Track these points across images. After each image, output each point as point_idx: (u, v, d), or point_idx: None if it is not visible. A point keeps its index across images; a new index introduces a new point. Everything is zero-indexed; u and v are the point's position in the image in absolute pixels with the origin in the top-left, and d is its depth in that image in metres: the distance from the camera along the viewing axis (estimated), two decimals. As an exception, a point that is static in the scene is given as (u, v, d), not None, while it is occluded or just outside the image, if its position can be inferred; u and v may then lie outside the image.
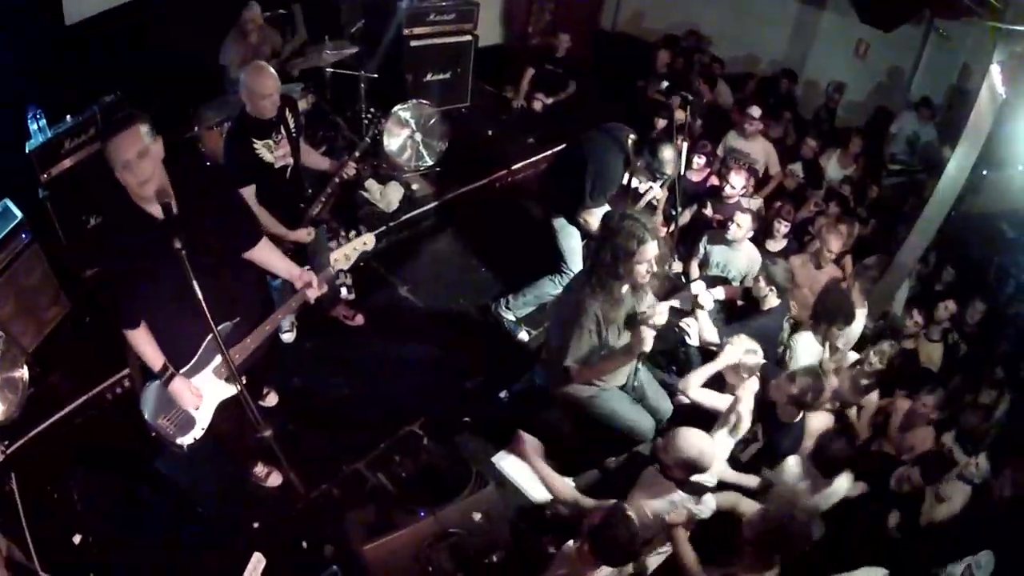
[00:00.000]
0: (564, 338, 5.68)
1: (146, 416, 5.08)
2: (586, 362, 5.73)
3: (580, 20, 14.00)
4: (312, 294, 5.19)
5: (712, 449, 5.37)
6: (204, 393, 5.08)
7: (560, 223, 7.59)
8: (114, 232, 4.68)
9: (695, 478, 5.40)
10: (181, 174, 4.59)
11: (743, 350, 6.41)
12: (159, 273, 4.45)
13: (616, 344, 5.80)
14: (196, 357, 5.02)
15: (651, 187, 7.79)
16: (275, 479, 6.34)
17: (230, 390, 5.11)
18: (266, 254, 5.24)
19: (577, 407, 6.10)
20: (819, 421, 6.50)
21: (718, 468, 5.83)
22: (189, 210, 4.49)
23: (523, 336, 8.21)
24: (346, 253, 5.30)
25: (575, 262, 7.61)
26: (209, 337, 4.81)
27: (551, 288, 7.82)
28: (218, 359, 5.00)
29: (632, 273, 5.49)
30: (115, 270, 4.64)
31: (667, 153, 7.23)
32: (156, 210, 4.35)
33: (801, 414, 6.28)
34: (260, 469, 6.37)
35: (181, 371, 4.94)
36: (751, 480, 6.07)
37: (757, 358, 6.43)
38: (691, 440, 5.26)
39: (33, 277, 6.88)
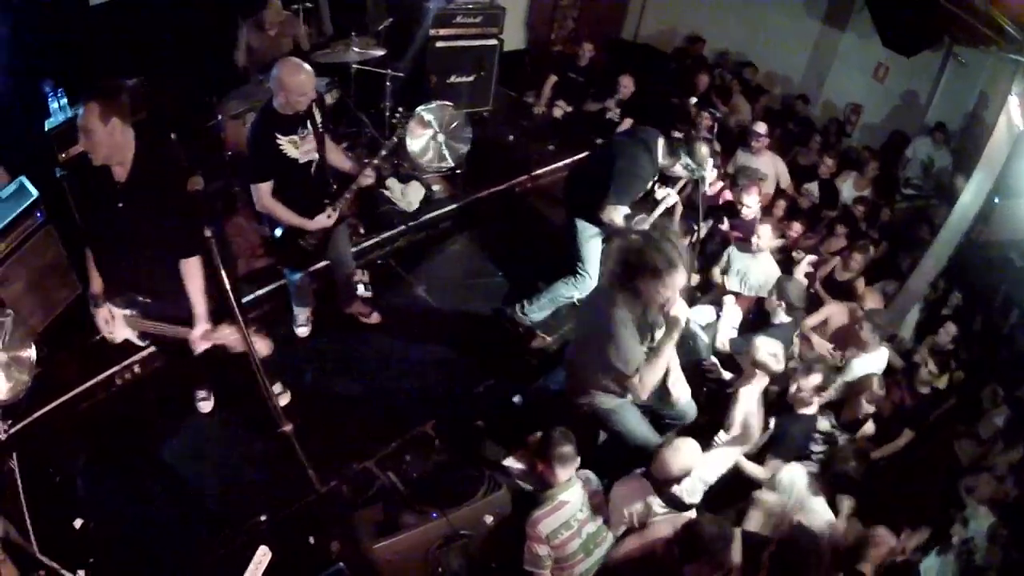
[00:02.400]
0: (608, 351, 5.42)
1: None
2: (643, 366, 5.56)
3: (601, 29, 14.07)
4: (195, 345, 5.41)
5: (693, 464, 5.55)
6: (117, 326, 5.56)
7: (582, 225, 7.58)
8: (84, 172, 5.18)
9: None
10: (148, 164, 5.16)
11: (769, 352, 6.58)
12: (107, 221, 5.23)
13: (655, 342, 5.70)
14: (121, 297, 5.53)
15: (668, 193, 7.84)
16: (284, 399, 6.76)
17: (135, 339, 5.74)
18: (189, 276, 5.33)
19: (596, 418, 6.06)
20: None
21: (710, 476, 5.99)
22: (138, 193, 5.12)
23: (537, 342, 8.22)
24: (236, 336, 5.38)
25: (592, 265, 7.64)
26: (133, 298, 5.54)
27: (566, 290, 7.85)
28: (128, 311, 5.54)
29: (651, 293, 5.26)
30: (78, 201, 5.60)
31: (703, 150, 7.29)
32: (117, 173, 5.10)
33: (815, 406, 6.52)
34: (276, 387, 6.52)
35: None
36: (760, 471, 6.25)
37: (778, 365, 6.59)
38: (678, 459, 5.45)
39: (45, 257, 6.95)
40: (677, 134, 7.57)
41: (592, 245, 7.61)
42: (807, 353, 7.76)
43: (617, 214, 7.27)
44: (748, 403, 6.54)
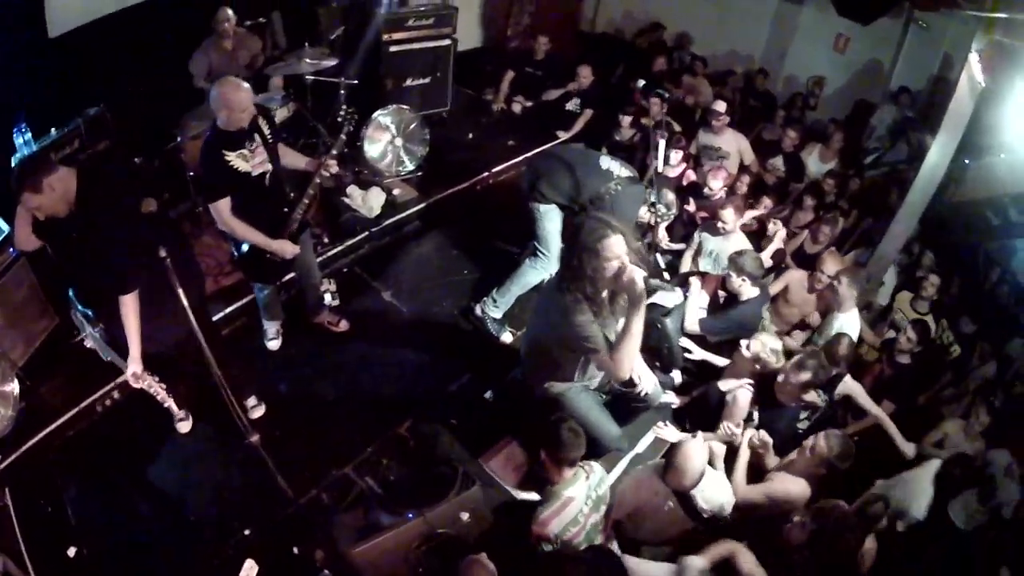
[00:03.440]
0: (566, 334, 5.45)
1: (81, 328, 6.15)
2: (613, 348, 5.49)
3: (559, 22, 14.01)
4: (131, 379, 5.67)
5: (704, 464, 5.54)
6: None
7: (545, 208, 7.57)
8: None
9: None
10: (88, 205, 5.19)
11: (769, 348, 6.65)
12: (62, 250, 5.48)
13: (618, 328, 5.59)
14: None
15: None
16: (259, 411, 6.82)
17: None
18: (124, 314, 5.41)
19: (551, 404, 6.00)
20: None
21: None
22: (83, 225, 5.18)
23: (507, 337, 8.21)
24: (152, 386, 5.80)
25: (552, 246, 7.66)
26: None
27: (532, 275, 7.85)
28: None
29: (602, 271, 5.21)
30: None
31: (669, 196, 7.54)
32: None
33: (799, 398, 6.51)
34: (251, 400, 6.74)
35: None
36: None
37: (778, 360, 6.66)
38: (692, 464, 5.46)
39: (21, 291, 6.83)
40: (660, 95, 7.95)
41: (551, 227, 7.61)
42: (779, 325, 7.79)
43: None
44: (744, 404, 6.57)
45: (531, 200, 7.57)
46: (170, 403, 5.12)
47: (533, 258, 7.80)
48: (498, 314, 8.12)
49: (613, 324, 5.54)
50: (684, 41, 13.85)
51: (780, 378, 6.52)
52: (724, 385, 6.81)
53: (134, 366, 5.50)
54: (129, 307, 5.35)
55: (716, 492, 5.76)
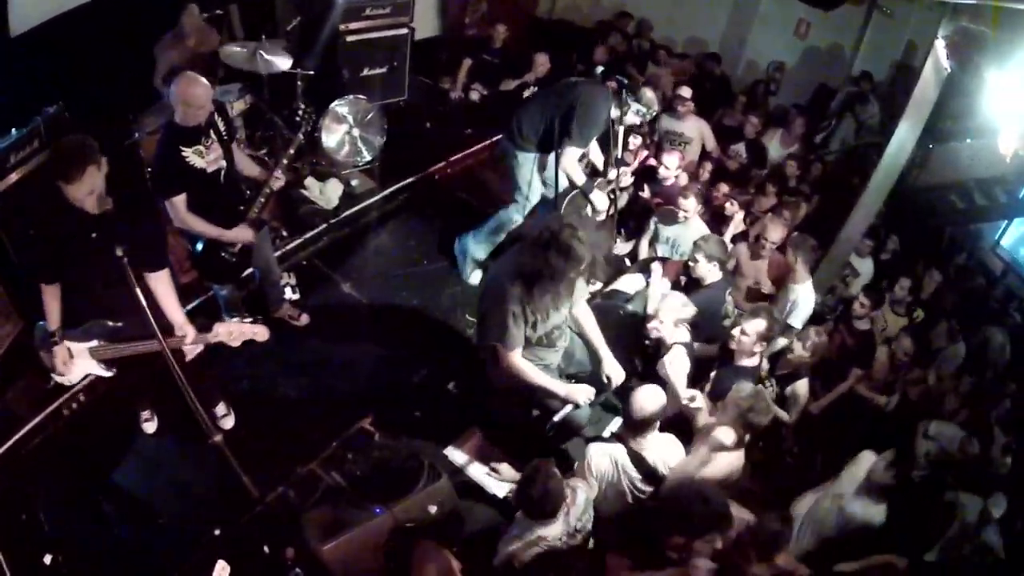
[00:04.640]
0: (493, 324, 5.58)
1: (35, 342, 5.70)
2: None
3: (516, 9, 13.93)
4: (185, 350, 5.64)
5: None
6: (75, 364, 5.58)
7: (523, 156, 7.89)
8: (50, 213, 5.14)
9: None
10: (118, 186, 5.16)
11: (680, 303, 6.72)
12: (76, 254, 5.12)
13: (547, 327, 5.75)
14: (80, 330, 5.54)
15: (622, 171, 8.00)
16: (229, 421, 6.82)
17: (100, 371, 5.71)
18: (160, 287, 5.50)
19: (512, 386, 5.98)
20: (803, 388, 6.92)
21: None
22: (113, 217, 5.11)
23: (474, 279, 8.61)
24: (231, 331, 5.70)
25: (530, 191, 8.04)
26: (97, 324, 5.57)
27: (506, 215, 8.22)
28: (94, 342, 5.53)
29: (563, 284, 5.32)
30: (45, 237, 5.22)
31: (648, 94, 7.57)
32: (87, 204, 4.98)
33: (758, 356, 6.58)
34: (220, 408, 6.80)
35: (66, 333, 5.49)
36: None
37: (690, 309, 6.74)
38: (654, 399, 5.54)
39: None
40: (619, 81, 7.75)
41: (526, 173, 7.96)
42: (736, 298, 7.81)
43: (568, 156, 7.65)
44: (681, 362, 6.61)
45: (512, 146, 7.93)
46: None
47: (512, 203, 8.20)
48: (481, 255, 8.56)
49: (541, 325, 5.66)
50: (644, 28, 13.73)
51: (735, 333, 6.50)
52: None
53: (187, 329, 5.57)
54: (166, 279, 5.53)
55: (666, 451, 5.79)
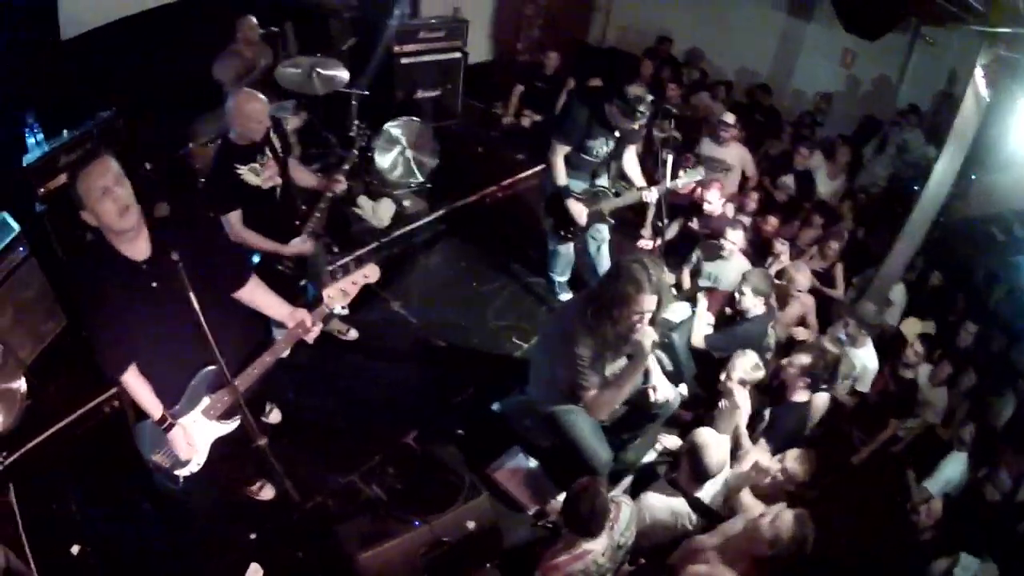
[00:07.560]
0: (563, 363, 5.68)
1: (142, 451, 4.97)
2: (601, 387, 5.74)
3: (568, 36, 14.06)
4: (308, 337, 5.02)
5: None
6: (196, 438, 4.90)
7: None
8: (90, 279, 4.40)
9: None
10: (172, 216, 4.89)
11: (752, 364, 6.63)
12: (139, 316, 4.40)
13: (615, 368, 5.87)
14: (184, 399, 4.87)
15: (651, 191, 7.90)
16: (268, 492, 6.29)
17: (222, 429, 5.03)
18: (256, 295, 5.06)
19: (552, 422, 6.12)
20: (821, 401, 6.82)
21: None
22: (168, 250, 4.29)
23: (564, 296, 8.79)
24: (343, 288, 4.94)
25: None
26: (195, 379, 4.85)
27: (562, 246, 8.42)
28: (206, 400, 4.91)
29: (625, 319, 5.43)
30: (95, 317, 4.45)
31: (634, 89, 7.36)
32: (132, 251, 4.35)
33: (808, 396, 6.54)
34: (255, 485, 6.35)
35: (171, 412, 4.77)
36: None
37: (762, 371, 6.67)
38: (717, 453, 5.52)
39: (30, 291, 6.92)
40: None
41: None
42: (780, 332, 7.82)
43: (556, 152, 7.81)
44: (743, 421, 6.59)
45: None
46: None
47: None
48: (563, 278, 8.77)
49: (610, 365, 5.79)
50: (694, 57, 13.84)
51: (784, 361, 6.62)
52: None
53: (300, 315, 4.94)
54: (258, 283, 5.04)
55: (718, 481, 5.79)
